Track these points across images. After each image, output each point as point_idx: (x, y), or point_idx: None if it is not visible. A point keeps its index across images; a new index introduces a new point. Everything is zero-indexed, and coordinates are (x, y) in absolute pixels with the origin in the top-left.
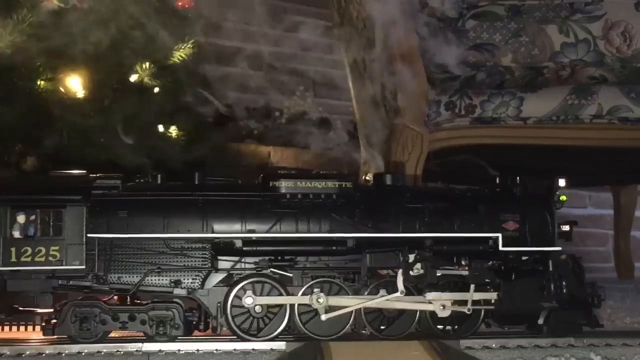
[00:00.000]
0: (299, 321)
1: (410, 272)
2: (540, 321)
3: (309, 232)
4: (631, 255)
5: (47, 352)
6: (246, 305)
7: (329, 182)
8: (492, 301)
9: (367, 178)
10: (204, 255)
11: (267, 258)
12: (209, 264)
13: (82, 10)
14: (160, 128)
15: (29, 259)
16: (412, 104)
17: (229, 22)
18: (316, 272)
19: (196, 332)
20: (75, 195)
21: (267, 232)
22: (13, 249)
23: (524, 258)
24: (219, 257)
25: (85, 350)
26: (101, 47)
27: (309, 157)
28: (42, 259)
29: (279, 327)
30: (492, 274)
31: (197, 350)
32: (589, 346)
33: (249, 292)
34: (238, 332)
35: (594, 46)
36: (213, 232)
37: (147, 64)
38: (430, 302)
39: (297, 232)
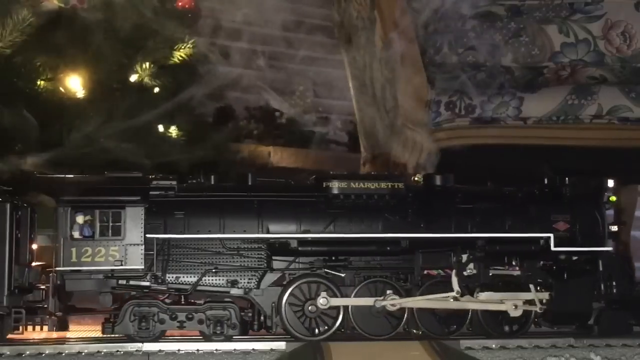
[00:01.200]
0: (353, 320)
1: (464, 272)
2: (591, 321)
3: (362, 232)
4: (631, 255)
5: (47, 352)
6: (320, 306)
7: (382, 182)
8: (544, 301)
9: (416, 179)
10: (260, 256)
11: (321, 258)
12: (265, 264)
13: (82, 10)
14: (160, 128)
15: (89, 259)
16: (412, 104)
17: (229, 22)
18: (369, 272)
19: (196, 332)
20: (134, 196)
21: (321, 232)
22: (74, 249)
23: (574, 258)
24: (274, 257)
25: (86, 350)
26: (101, 47)
27: (308, 157)
28: (102, 259)
29: (333, 326)
30: (544, 274)
31: (197, 350)
32: (589, 346)
33: (324, 294)
34: (293, 331)
35: (594, 46)
36: (269, 232)
37: (147, 64)
38: (502, 303)
39: (350, 232)
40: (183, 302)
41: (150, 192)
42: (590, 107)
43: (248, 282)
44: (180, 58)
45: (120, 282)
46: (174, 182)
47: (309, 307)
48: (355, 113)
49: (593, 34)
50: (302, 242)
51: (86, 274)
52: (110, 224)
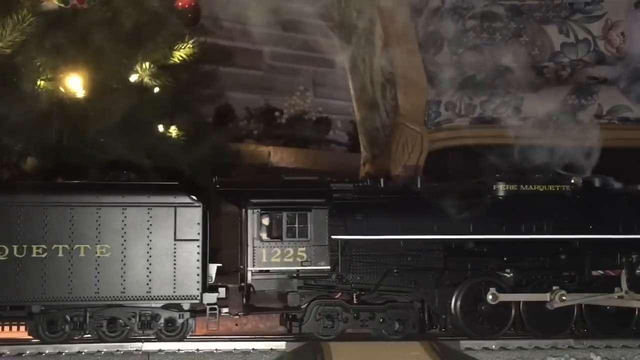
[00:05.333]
0: (525, 318)
1: (637, 271)
2: None
3: (532, 233)
4: None
5: (47, 351)
6: (490, 302)
7: (550, 185)
8: None
9: (575, 181)
10: (437, 256)
11: (494, 258)
12: (442, 265)
13: (82, 10)
14: (160, 128)
15: (278, 260)
16: (412, 104)
17: (229, 22)
18: (537, 272)
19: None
20: (319, 198)
21: (493, 234)
22: (264, 250)
23: None
24: (450, 258)
25: (86, 350)
26: (101, 47)
27: (308, 157)
28: (290, 260)
29: (505, 325)
30: None
31: (197, 350)
32: (589, 347)
33: (492, 289)
34: (467, 330)
35: (594, 46)
36: (445, 233)
37: (147, 64)
38: None
39: (522, 233)
40: (355, 302)
41: (333, 195)
42: (590, 107)
43: (426, 283)
44: (180, 58)
45: (306, 282)
46: (351, 185)
47: (481, 307)
48: (355, 113)
49: (593, 34)
50: (478, 242)
51: (273, 274)
52: (297, 225)
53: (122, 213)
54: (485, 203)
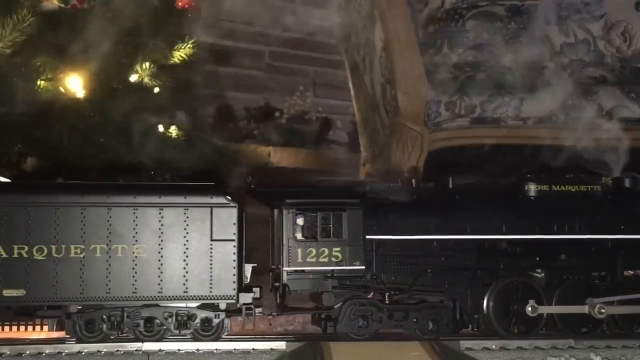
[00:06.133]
0: (557, 318)
1: None
2: None
3: (563, 233)
4: None
5: (47, 351)
6: (529, 314)
7: (581, 185)
8: None
9: (605, 181)
10: (471, 256)
11: (526, 258)
12: (475, 265)
13: (82, 10)
14: (160, 128)
15: (313, 260)
16: (412, 104)
17: (229, 22)
18: (569, 272)
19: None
20: (354, 198)
21: (526, 234)
22: (299, 250)
23: None
24: (483, 258)
25: (86, 350)
26: (101, 47)
27: (308, 157)
28: (326, 260)
29: (537, 325)
30: None
31: (197, 350)
32: (589, 347)
33: (531, 301)
34: (500, 330)
35: (594, 46)
36: (478, 233)
37: (147, 64)
38: None
39: (554, 233)
40: (387, 302)
41: (367, 196)
42: (590, 107)
43: (458, 282)
44: (180, 58)
45: (341, 282)
46: (385, 186)
47: (513, 307)
48: (355, 113)
49: (593, 34)
50: (511, 242)
51: (308, 274)
52: (332, 225)
53: (159, 213)
54: (518, 203)
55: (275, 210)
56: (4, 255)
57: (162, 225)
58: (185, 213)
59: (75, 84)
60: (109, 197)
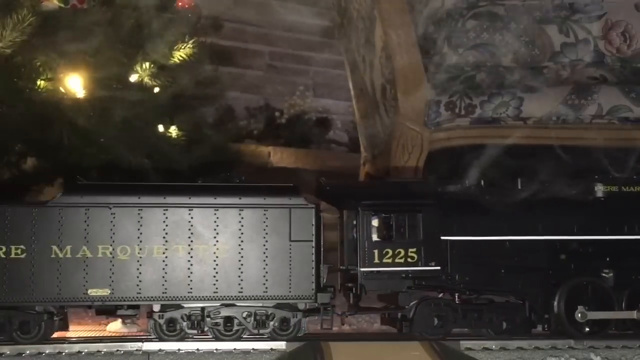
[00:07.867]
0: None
1: None
2: None
3: (636, 234)
4: None
5: (47, 351)
6: (578, 320)
7: None
8: None
9: None
10: (542, 256)
11: (596, 259)
12: (546, 265)
13: (82, 10)
14: (160, 128)
15: (390, 260)
16: (412, 104)
17: (229, 22)
18: (637, 273)
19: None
20: (429, 199)
21: (597, 234)
22: (376, 251)
23: None
24: (554, 258)
25: (86, 350)
26: (101, 47)
27: (308, 157)
28: (402, 260)
29: (607, 325)
30: None
31: (197, 349)
32: (589, 348)
33: (580, 307)
34: (571, 329)
35: (594, 46)
36: (549, 233)
37: (147, 64)
38: None
39: (625, 234)
40: (458, 302)
41: (442, 196)
42: (590, 107)
43: (530, 282)
44: (180, 58)
45: (417, 282)
46: (459, 186)
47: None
48: (355, 113)
49: (593, 34)
50: (583, 243)
51: (383, 274)
52: (408, 226)
53: (239, 214)
54: (589, 204)
55: (345, 211)
56: (89, 255)
57: (242, 225)
58: (264, 214)
59: (75, 84)
60: (190, 198)
